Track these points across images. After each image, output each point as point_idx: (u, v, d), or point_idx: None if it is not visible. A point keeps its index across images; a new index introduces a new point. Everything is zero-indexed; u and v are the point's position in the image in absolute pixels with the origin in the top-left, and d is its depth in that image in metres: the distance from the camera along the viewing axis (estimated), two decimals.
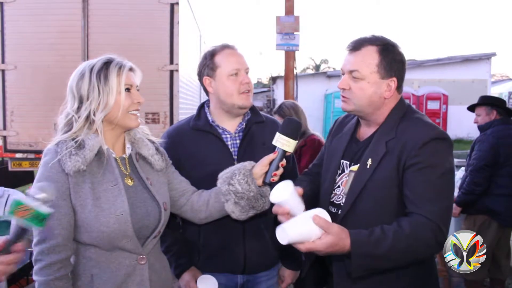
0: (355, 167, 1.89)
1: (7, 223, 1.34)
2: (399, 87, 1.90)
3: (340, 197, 1.93)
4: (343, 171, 1.97)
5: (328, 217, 1.65)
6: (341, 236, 1.62)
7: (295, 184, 1.85)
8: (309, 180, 2.18)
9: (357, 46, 1.86)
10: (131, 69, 1.83)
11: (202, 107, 2.35)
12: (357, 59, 1.85)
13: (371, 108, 1.88)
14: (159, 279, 1.88)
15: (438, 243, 1.71)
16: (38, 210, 1.32)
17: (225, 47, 2.23)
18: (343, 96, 1.91)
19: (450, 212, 1.79)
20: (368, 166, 1.82)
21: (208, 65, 2.22)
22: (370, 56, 1.83)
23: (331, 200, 1.97)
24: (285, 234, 1.58)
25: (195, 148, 2.23)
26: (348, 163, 1.95)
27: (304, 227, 1.59)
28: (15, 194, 2.74)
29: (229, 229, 2.20)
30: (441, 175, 1.74)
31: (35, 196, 1.35)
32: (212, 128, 2.26)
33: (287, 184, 1.72)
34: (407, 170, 1.76)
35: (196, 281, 2.21)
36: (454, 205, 4.27)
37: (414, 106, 1.99)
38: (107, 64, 1.77)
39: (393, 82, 1.85)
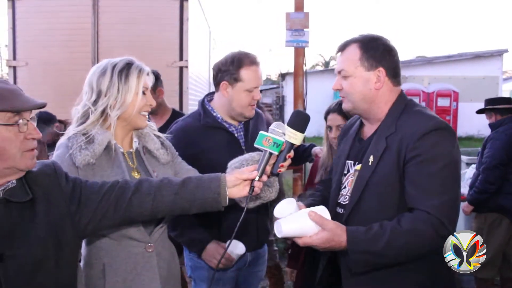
0: (358, 166, 1.89)
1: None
2: (394, 78, 1.88)
3: (346, 198, 1.93)
4: (348, 171, 1.97)
5: (327, 214, 1.69)
6: (336, 232, 1.66)
7: (309, 195, 2.06)
8: (323, 189, 2.20)
9: (342, 47, 1.93)
10: (148, 74, 1.94)
11: (203, 104, 2.49)
12: (342, 58, 1.91)
13: (365, 103, 1.88)
14: (167, 266, 1.97)
15: (441, 237, 1.68)
16: (276, 139, 1.72)
17: (253, 63, 2.37)
18: (341, 96, 1.96)
19: (455, 204, 1.74)
20: (370, 164, 1.82)
21: (232, 73, 2.35)
22: (353, 53, 1.88)
23: (338, 201, 1.97)
24: (280, 228, 1.68)
25: (211, 143, 2.37)
26: (353, 162, 1.95)
27: (298, 223, 1.68)
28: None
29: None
30: (443, 167, 1.70)
31: (274, 129, 1.74)
32: (221, 124, 2.44)
33: (290, 202, 1.78)
34: (408, 164, 1.73)
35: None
36: (466, 203, 4.24)
37: (424, 103, 1.98)
38: (129, 65, 1.88)
39: (381, 72, 1.85)
